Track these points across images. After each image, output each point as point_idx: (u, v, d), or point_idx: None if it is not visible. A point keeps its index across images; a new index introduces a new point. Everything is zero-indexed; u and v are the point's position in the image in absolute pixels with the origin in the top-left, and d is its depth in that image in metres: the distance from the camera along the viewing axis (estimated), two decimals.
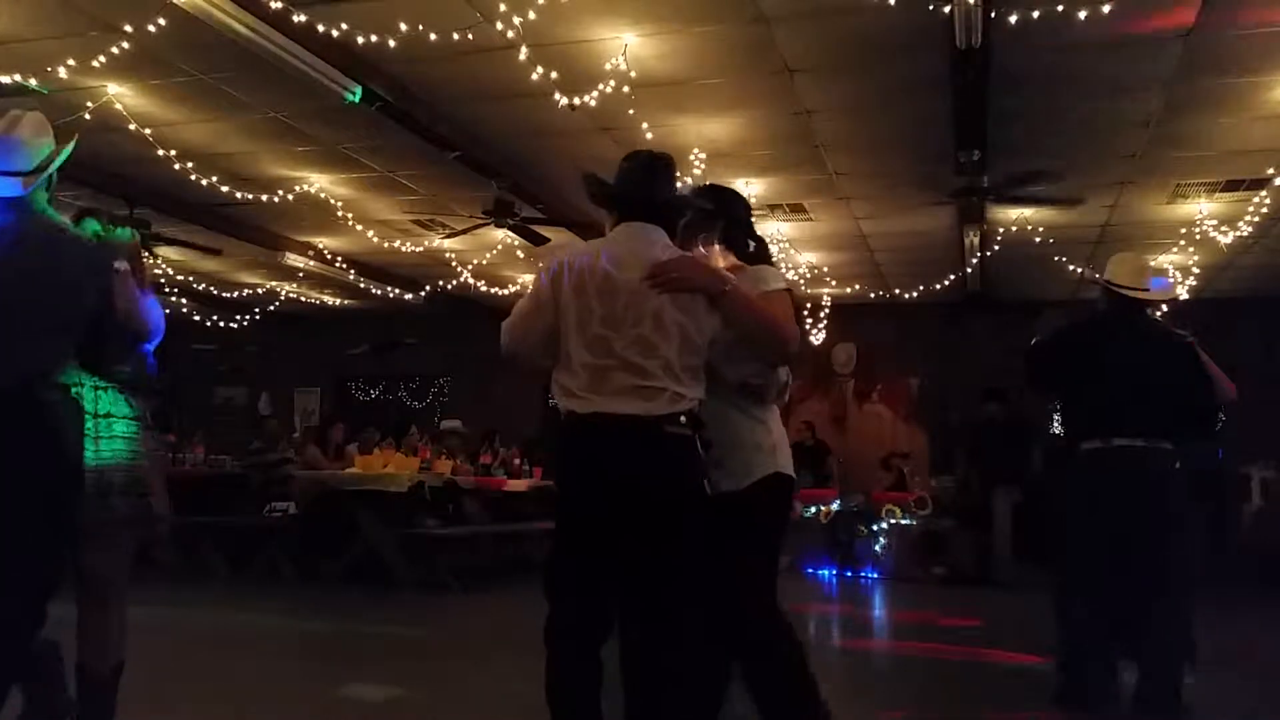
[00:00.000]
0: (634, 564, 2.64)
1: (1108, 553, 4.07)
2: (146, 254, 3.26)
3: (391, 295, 13.14)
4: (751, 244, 3.13)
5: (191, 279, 12.60)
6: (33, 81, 6.50)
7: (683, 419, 2.64)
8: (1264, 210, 8.80)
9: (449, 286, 12.79)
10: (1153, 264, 4.47)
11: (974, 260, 10.44)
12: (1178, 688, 4.00)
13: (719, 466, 2.82)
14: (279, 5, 5.44)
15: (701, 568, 2.67)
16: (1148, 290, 4.29)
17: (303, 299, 13.67)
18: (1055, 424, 6.25)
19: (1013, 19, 5.39)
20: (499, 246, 10.62)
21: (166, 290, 12.99)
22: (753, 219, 3.24)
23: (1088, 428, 4.17)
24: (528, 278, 12.70)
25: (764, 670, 2.88)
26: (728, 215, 3.10)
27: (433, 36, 5.81)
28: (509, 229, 9.22)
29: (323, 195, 9.22)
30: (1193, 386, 4.19)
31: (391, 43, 5.83)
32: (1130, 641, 4.16)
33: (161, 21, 5.72)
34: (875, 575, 10.41)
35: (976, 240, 9.77)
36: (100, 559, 3.01)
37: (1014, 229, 9.48)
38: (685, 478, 2.66)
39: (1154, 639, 4.04)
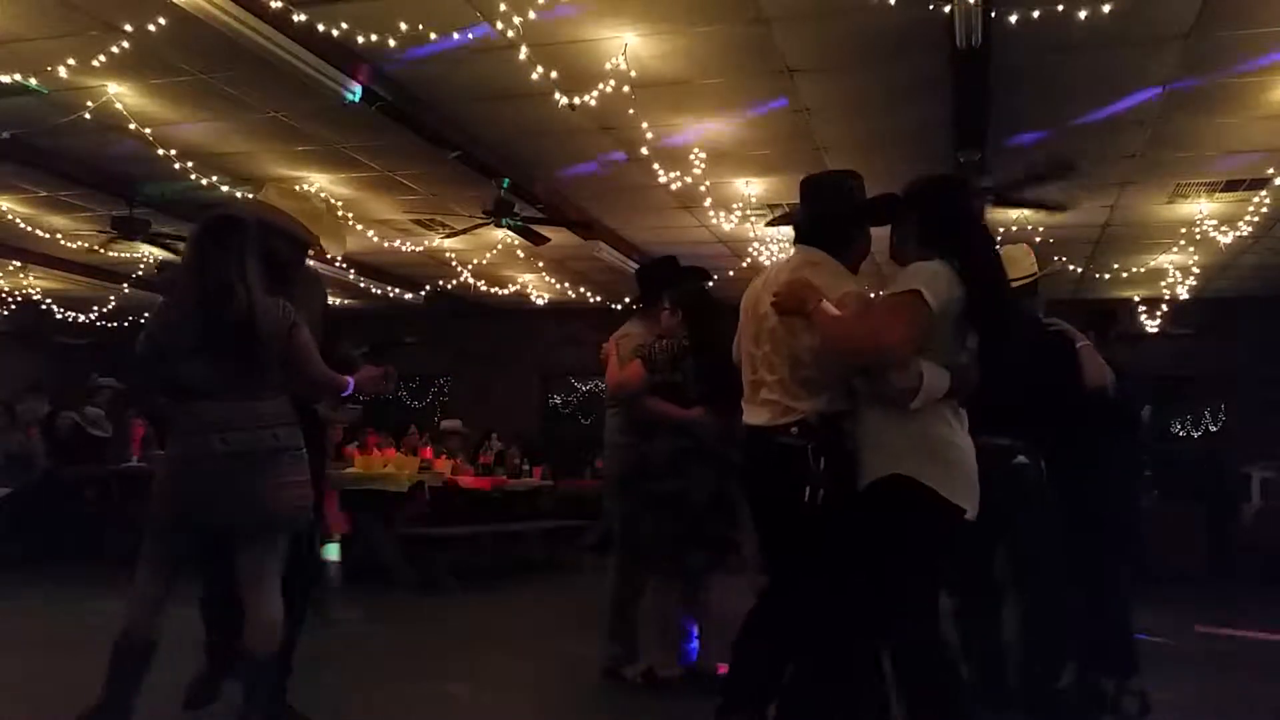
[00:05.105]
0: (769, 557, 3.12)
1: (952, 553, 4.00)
2: None
3: (391, 295, 13.14)
4: (955, 235, 2.86)
5: None
6: (33, 81, 6.50)
7: (794, 429, 2.86)
8: (1264, 210, 8.81)
9: (449, 286, 12.80)
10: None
11: None
12: (1047, 690, 3.84)
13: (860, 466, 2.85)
14: (279, 5, 5.44)
15: (809, 566, 2.88)
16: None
17: None
18: None
19: (1013, 19, 5.40)
20: (499, 246, 10.62)
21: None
22: (963, 207, 3.02)
23: None
24: (528, 277, 12.72)
25: (905, 670, 2.81)
26: (921, 210, 2.95)
27: (433, 36, 5.81)
28: (509, 229, 9.23)
29: (323, 195, 9.22)
30: (1054, 379, 3.89)
31: (391, 42, 5.83)
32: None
33: (161, 21, 5.73)
34: None
35: None
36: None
37: (1014, 229, 9.48)
38: (785, 484, 2.84)
39: (1027, 637, 3.93)
